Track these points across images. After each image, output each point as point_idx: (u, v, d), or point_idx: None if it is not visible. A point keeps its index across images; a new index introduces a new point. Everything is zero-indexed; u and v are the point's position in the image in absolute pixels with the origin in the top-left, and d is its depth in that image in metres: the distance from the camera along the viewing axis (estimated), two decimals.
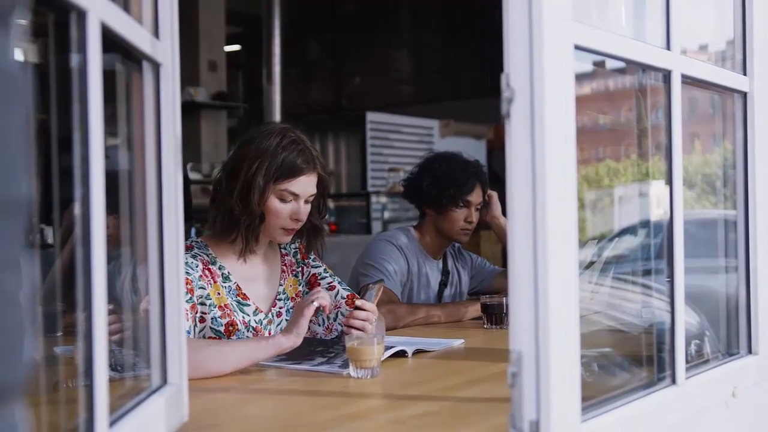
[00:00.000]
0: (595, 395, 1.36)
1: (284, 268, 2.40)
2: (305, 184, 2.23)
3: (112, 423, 1.11)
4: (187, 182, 3.35)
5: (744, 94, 1.82)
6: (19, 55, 0.60)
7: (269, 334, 2.27)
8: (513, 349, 1.19)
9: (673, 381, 1.52)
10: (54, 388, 1.31)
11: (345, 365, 1.92)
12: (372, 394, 1.78)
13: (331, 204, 7.73)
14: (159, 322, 1.38)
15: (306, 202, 2.25)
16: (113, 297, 1.16)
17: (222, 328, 2.18)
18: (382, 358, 1.95)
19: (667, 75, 1.52)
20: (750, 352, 1.82)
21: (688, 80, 1.59)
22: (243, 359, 1.95)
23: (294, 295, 2.38)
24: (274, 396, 1.78)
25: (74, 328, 1.13)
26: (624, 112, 2.04)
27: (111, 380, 1.08)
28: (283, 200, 2.21)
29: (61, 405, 1.26)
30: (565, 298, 1.20)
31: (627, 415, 1.38)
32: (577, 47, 1.25)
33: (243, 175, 2.17)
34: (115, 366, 1.35)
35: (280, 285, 2.37)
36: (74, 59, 1.03)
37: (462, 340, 2.38)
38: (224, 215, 2.22)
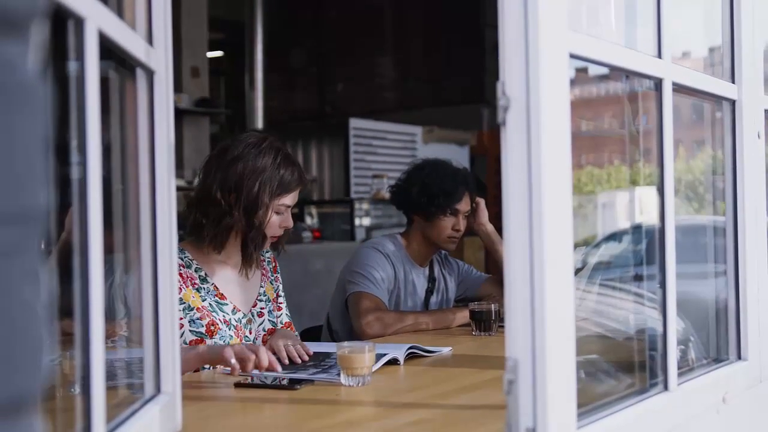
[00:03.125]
0: (589, 402, 1.36)
1: (264, 271, 2.47)
2: (296, 196, 2.34)
3: None
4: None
5: (732, 102, 1.84)
6: (37, 64, 0.60)
7: (250, 333, 2.34)
8: (509, 357, 1.19)
9: (666, 387, 1.53)
10: (47, 397, 1.30)
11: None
12: (364, 402, 1.77)
13: (314, 210, 7.71)
14: (152, 332, 1.37)
15: (292, 210, 2.36)
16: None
17: (203, 329, 2.23)
18: (376, 368, 1.95)
19: (658, 83, 1.53)
20: (739, 357, 1.83)
21: (678, 88, 1.60)
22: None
23: (272, 299, 2.46)
24: (266, 404, 1.77)
25: (65, 337, 1.12)
26: (607, 118, 2.05)
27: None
28: (278, 213, 2.31)
29: (54, 414, 1.25)
30: (561, 305, 1.20)
31: (621, 422, 1.38)
32: (573, 55, 1.25)
33: (245, 194, 2.23)
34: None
35: (261, 286, 2.43)
36: (71, 66, 1.03)
37: (450, 348, 2.38)
38: (224, 231, 2.26)
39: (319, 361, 2.14)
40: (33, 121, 0.58)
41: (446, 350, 2.37)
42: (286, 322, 2.46)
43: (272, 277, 2.50)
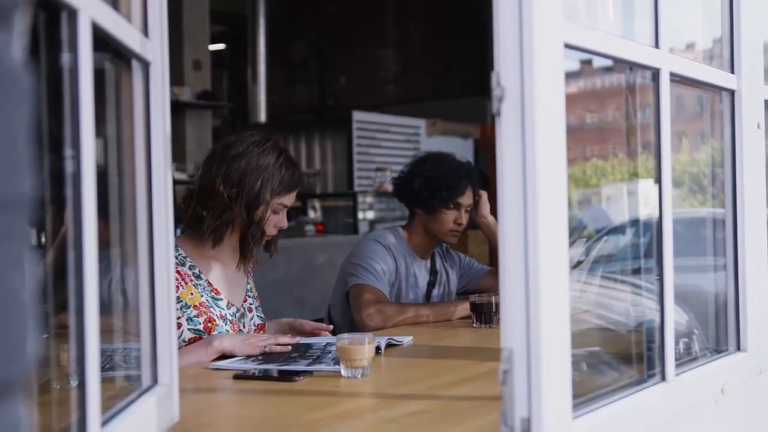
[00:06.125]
0: (586, 393, 1.36)
1: (249, 270, 2.51)
2: (293, 197, 2.39)
3: (104, 423, 1.10)
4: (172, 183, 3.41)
5: (732, 92, 1.83)
6: (21, 53, 0.60)
7: (243, 327, 2.39)
8: (504, 347, 1.19)
9: (663, 378, 1.53)
10: (42, 389, 1.30)
11: (338, 362, 1.92)
12: (363, 393, 1.78)
13: (317, 204, 7.72)
14: (149, 323, 1.38)
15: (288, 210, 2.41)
16: (101, 298, 1.16)
17: (201, 326, 2.26)
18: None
19: (656, 73, 1.53)
20: (738, 349, 1.83)
21: (676, 78, 1.59)
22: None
23: (256, 296, 2.52)
24: (264, 396, 1.78)
25: (62, 329, 1.13)
26: (611, 110, 2.05)
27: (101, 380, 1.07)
28: (275, 212, 2.34)
29: (51, 406, 1.26)
30: (557, 296, 1.20)
31: (618, 412, 1.38)
32: (568, 46, 1.25)
33: (247, 190, 2.27)
34: (104, 366, 1.34)
35: (248, 283, 2.49)
36: (64, 58, 1.03)
37: (411, 337, 2.41)
38: (224, 224, 2.30)
39: (303, 352, 2.14)
40: (17, 109, 0.58)
41: (407, 339, 2.40)
42: (259, 324, 2.48)
43: (253, 276, 2.55)
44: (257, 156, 2.29)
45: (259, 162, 2.29)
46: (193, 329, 2.23)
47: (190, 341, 2.21)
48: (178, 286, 2.23)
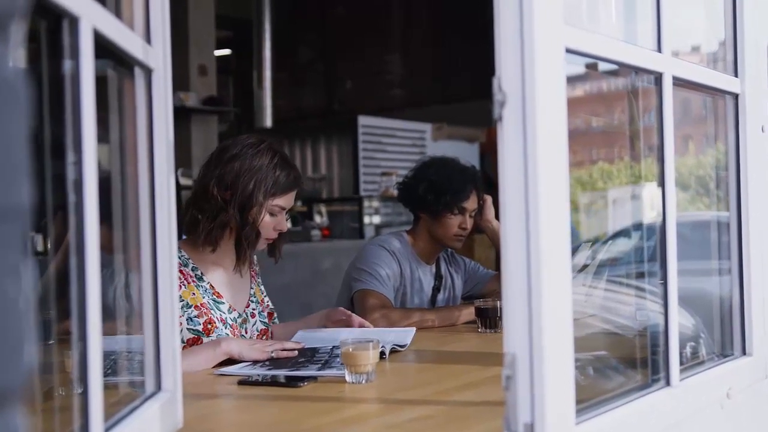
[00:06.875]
0: (589, 398, 1.36)
1: (252, 274, 2.51)
2: (292, 198, 2.38)
3: (107, 429, 1.10)
4: (177, 188, 3.40)
5: (735, 96, 1.83)
6: (18, 62, 0.60)
7: (245, 332, 2.39)
8: (507, 352, 1.19)
9: (668, 383, 1.53)
10: (47, 396, 1.31)
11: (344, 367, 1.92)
12: (367, 398, 1.77)
13: (323, 209, 7.72)
14: (153, 329, 1.38)
15: (287, 213, 2.39)
16: (106, 304, 1.16)
17: (200, 327, 2.26)
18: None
19: (658, 77, 1.53)
20: (744, 353, 1.82)
21: (679, 82, 1.59)
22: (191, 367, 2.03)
23: (260, 301, 2.50)
24: (269, 402, 1.78)
25: (67, 336, 1.13)
26: (617, 114, 2.04)
27: (104, 386, 1.08)
28: (272, 214, 2.34)
29: (55, 412, 1.26)
30: (559, 301, 1.20)
31: (622, 417, 1.38)
32: (569, 50, 1.25)
33: (240, 191, 2.27)
34: (107, 372, 1.35)
35: (251, 288, 2.48)
36: (66, 65, 1.03)
37: (413, 330, 2.42)
38: (219, 227, 2.29)
39: (310, 357, 2.14)
40: (15, 118, 0.58)
41: (410, 331, 2.41)
42: (262, 329, 2.48)
43: (258, 280, 2.55)
44: (251, 157, 2.30)
45: (252, 163, 2.29)
46: (193, 329, 2.23)
47: (189, 342, 2.22)
48: (180, 285, 2.23)
